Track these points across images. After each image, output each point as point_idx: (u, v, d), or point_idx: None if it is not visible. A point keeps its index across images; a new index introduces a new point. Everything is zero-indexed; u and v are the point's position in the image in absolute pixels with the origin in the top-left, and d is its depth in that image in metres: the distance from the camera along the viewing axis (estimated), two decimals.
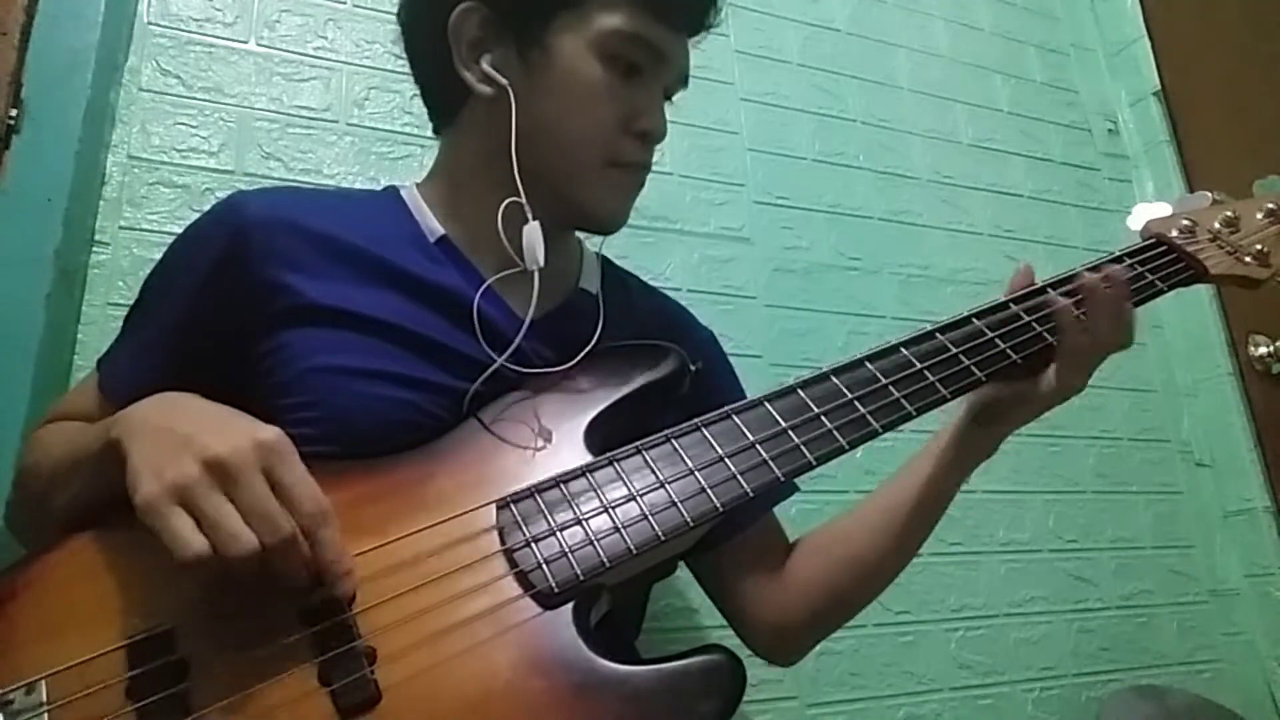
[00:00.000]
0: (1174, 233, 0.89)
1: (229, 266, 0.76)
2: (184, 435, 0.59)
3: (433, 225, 0.85)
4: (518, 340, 0.75)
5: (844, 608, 0.90)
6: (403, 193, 0.89)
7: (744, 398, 0.81)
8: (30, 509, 0.77)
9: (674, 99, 0.89)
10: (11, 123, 1.01)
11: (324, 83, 1.29)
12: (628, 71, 0.81)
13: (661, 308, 1.01)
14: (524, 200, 0.77)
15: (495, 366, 0.75)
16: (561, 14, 0.79)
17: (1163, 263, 0.87)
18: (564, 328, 0.81)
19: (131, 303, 0.84)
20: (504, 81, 0.80)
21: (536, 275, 0.76)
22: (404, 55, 0.91)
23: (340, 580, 0.59)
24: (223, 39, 1.25)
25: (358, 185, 1.26)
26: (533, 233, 0.77)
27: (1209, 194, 0.95)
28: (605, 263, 0.98)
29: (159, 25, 1.22)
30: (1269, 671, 1.58)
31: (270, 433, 0.60)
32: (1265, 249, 0.90)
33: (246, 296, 0.75)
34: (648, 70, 0.82)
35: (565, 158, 0.81)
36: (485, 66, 0.81)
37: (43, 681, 0.55)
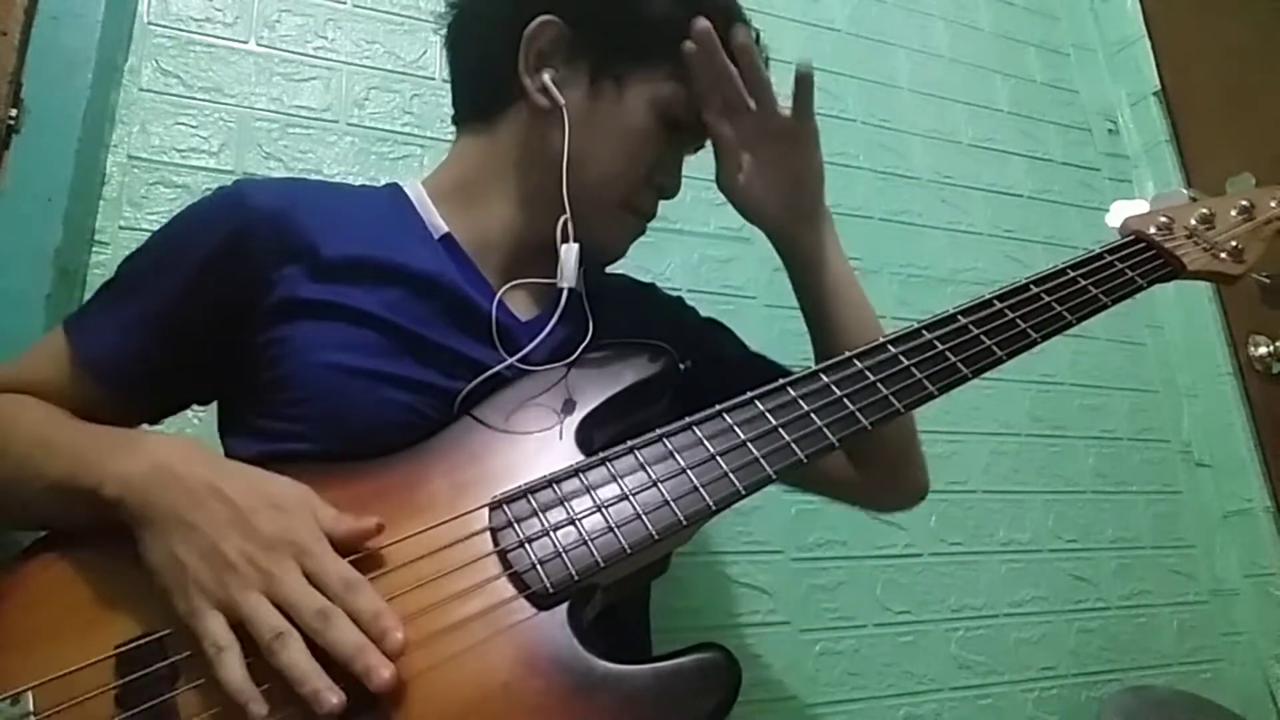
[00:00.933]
0: (1152, 229, 0.91)
1: (231, 255, 0.75)
2: (215, 543, 0.58)
3: (437, 222, 0.84)
4: (533, 344, 0.76)
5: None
6: (406, 188, 0.88)
7: (721, 338, 0.93)
8: None
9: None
10: (11, 123, 1.01)
11: (324, 83, 1.29)
12: (671, 132, 0.87)
13: (633, 290, 1.03)
14: (570, 219, 0.81)
15: (503, 367, 0.75)
16: (643, 65, 0.84)
17: (1142, 259, 0.88)
18: (558, 327, 0.81)
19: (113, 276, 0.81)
20: (561, 101, 0.83)
21: (565, 293, 0.79)
22: (447, 40, 0.92)
23: (386, 636, 0.57)
24: (223, 39, 1.25)
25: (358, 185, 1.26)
26: (571, 253, 0.80)
27: (1185, 191, 0.98)
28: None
29: (159, 25, 1.22)
30: (1269, 671, 1.58)
31: (300, 528, 0.60)
32: (1240, 245, 0.92)
33: (248, 287, 0.74)
34: (684, 135, 0.89)
35: (593, 189, 0.84)
36: (547, 80, 0.83)
37: (30, 691, 0.54)
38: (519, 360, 0.76)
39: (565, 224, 0.81)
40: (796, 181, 0.90)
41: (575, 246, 0.80)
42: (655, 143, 0.86)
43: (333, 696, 0.54)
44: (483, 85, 0.90)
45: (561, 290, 0.78)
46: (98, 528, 0.61)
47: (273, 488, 0.62)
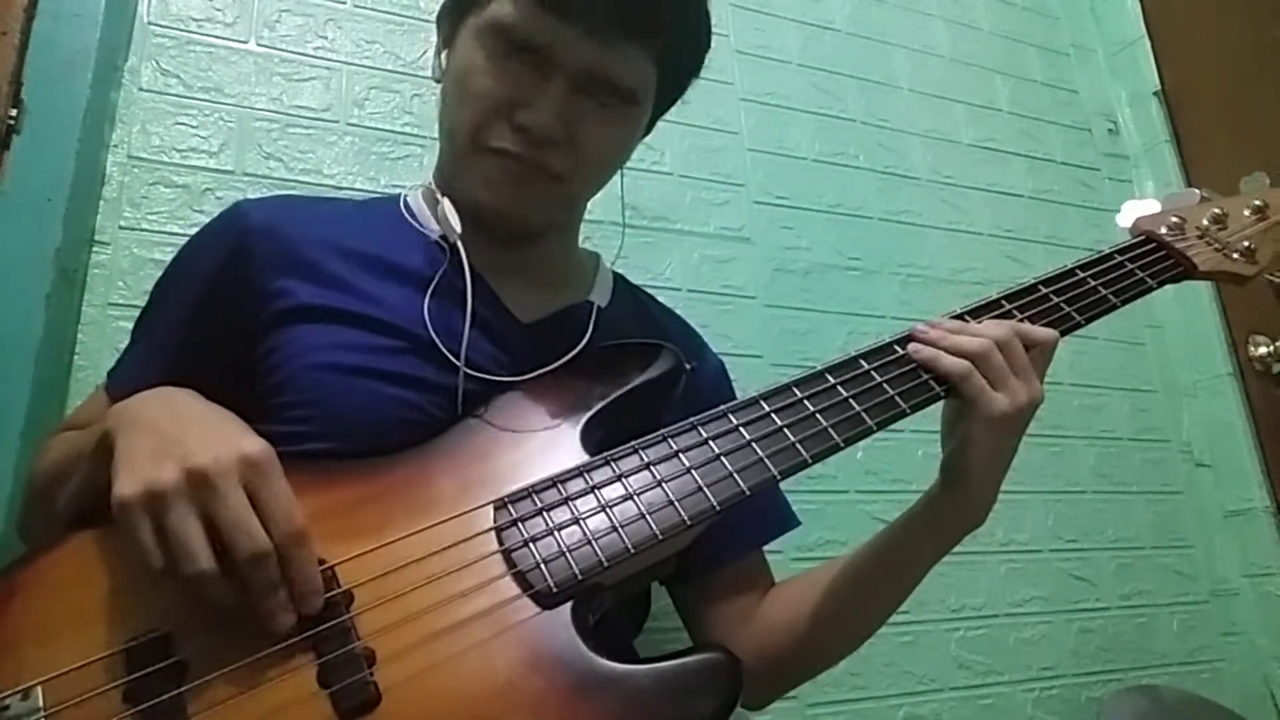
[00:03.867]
0: (1163, 230, 0.90)
1: (231, 273, 0.77)
2: (170, 437, 0.59)
3: (433, 225, 0.85)
4: (463, 346, 0.76)
5: (798, 662, 0.87)
6: (406, 195, 0.90)
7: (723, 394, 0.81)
8: (37, 514, 0.78)
9: (614, 106, 0.82)
10: (11, 123, 1.01)
11: (324, 83, 1.29)
12: (510, 60, 0.79)
13: (674, 330, 1.01)
14: (433, 184, 0.84)
15: (501, 373, 0.75)
16: (469, 14, 0.82)
17: (1152, 259, 0.88)
18: (558, 333, 0.81)
19: (136, 305, 0.85)
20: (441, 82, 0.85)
21: (460, 244, 0.79)
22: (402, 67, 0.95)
23: (306, 600, 0.58)
24: (223, 39, 1.25)
25: (358, 185, 1.26)
26: (446, 205, 0.81)
27: (1197, 191, 0.96)
28: (621, 282, 0.98)
29: (159, 25, 1.22)
30: (1269, 671, 1.58)
31: (256, 445, 0.60)
32: (1252, 245, 0.91)
33: (247, 303, 0.76)
34: (532, 62, 0.78)
35: (447, 143, 0.84)
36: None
37: (39, 686, 0.54)
38: (505, 359, 0.76)
39: (425, 194, 0.85)
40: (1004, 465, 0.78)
41: (445, 200, 0.81)
42: (489, 74, 0.78)
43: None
44: None
45: (457, 243, 0.79)
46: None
47: (244, 432, 0.62)
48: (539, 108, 0.78)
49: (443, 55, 0.87)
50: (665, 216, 1.42)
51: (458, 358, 0.76)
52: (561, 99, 0.78)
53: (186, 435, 0.59)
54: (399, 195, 0.91)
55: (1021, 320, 0.79)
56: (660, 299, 1.05)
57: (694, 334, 1.03)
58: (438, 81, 0.87)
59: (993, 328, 0.75)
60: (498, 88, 0.79)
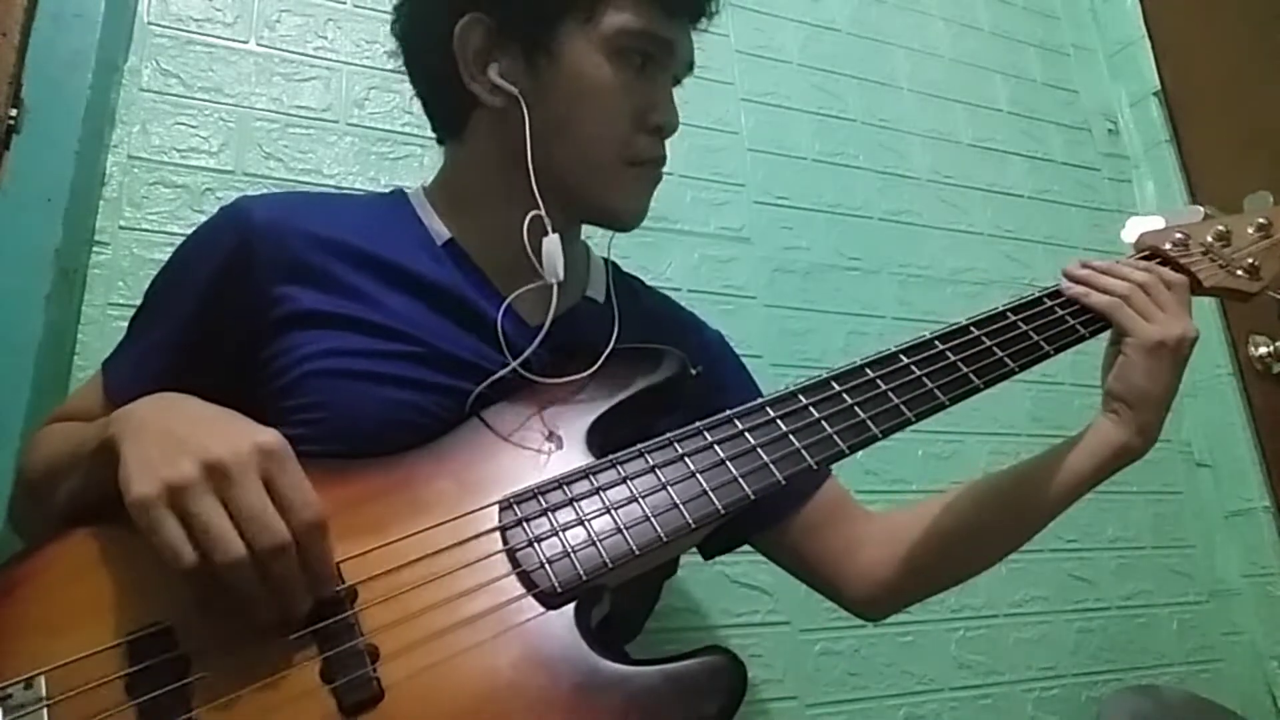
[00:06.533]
0: (1167, 245, 0.91)
1: (233, 273, 0.76)
2: (181, 436, 0.58)
3: (439, 229, 0.84)
4: (531, 347, 0.75)
5: (943, 572, 0.91)
6: (409, 195, 0.89)
7: (758, 394, 0.81)
8: (30, 508, 0.77)
9: (682, 82, 0.89)
10: (11, 123, 1.01)
11: (324, 83, 1.29)
12: (638, 67, 0.81)
13: (669, 312, 1.01)
14: (544, 213, 0.77)
15: (506, 371, 0.75)
16: (567, 18, 0.79)
17: None
18: (568, 334, 0.81)
19: (136, 305, 0.84)
20: (513, 90, 0.79)
21: (555, 288, 0.76)
22: (402, 65, 0.90)
23: (322, 588, 0.59)
24: (223, 39, 1.25)
25: (358, 185, 1.26)
26: (553, 246, 0.76)
27: (1201, 208, 0.97)
28: (613, 270, 0.97)
29: (159, 25, 1.22)
30: (1269, 671, 1.58)
31: (269, 436, 0.59)
32: (1256, 262, 0.92)
33: (251, 304, 0.75)
34: (658, 64, 0.82)
35: (583, 161, 0.81)
36: (493, 77, 0.80)
37: (42, 676, 0.54)
38: (523, 365, 0.75)
39: (533, 220, 0.76)
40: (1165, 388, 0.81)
41: (555, 238, 0.77)
42: (626, 87, 0.80)
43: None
44: (440, 104, 0.89)
45: (552, 286, 0.76)
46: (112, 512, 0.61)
47: (256, 425, 0.62)
48: (667, 107, 0.83)
49: (510, 69, 0.80)
50: (665, 216, 1.42)
51: (457, 363, 0.75)
52: (671, 92, 0.85)
53: (197, 432, 0.58)
54: (404, 193, 0.89)
55: (1025, 326, 0.81)
56: None
57: (686, 314, 1.03)
58: (493, 95, 0.80)
59: (1133, 272, 0.83)
60: (636, 97, 0.81)
